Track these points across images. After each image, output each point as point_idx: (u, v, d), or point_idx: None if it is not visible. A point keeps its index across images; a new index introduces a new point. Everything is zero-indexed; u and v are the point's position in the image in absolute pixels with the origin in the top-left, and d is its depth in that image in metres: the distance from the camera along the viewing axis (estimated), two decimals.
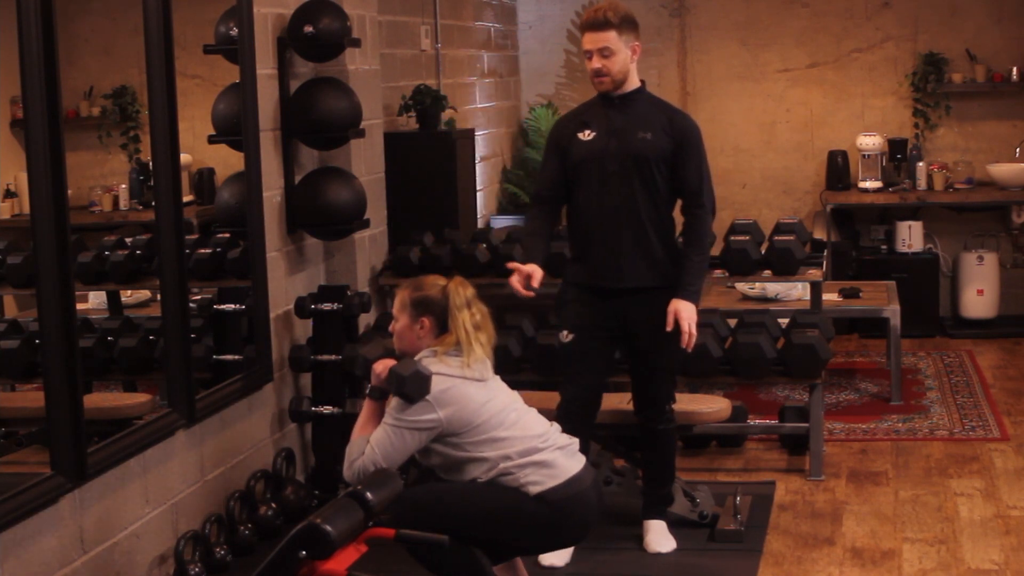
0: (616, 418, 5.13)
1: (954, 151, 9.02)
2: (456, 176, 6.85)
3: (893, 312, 7.16)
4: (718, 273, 6.13)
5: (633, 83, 4.78)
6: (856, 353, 8.28)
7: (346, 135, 5.53)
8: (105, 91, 4.91)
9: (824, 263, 6.52)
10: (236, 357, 5.10)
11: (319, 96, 5.42)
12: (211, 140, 5.11)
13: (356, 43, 5.65)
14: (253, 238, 5.10)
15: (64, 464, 3.81)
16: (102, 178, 5.01)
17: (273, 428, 5.30)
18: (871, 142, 8.80)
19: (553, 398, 4.89)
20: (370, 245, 6.20)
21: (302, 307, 5.38)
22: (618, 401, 5.18)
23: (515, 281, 4.62)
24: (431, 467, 4.01)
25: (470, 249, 6.23)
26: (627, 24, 4.72)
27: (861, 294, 7.53)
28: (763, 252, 6.06)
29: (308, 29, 5.32)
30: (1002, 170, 8.69)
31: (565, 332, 4.84)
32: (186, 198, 4.60)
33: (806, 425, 5.86)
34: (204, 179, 5.41)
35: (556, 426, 4.10)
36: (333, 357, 5.38)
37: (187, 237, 4.59)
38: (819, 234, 8.45)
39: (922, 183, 8.77)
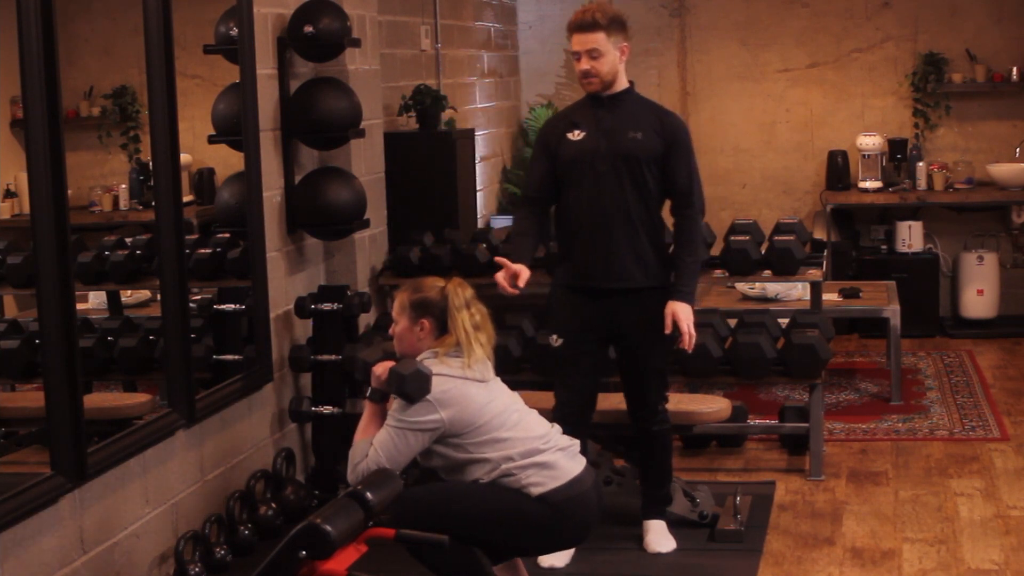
0: (615, 418, 5.13)
1: (954, 151, 9.02)
2: (456, 176, 6.85)
3: (893, 312, 7.16)
4: (718, 273, 6.13)
5: (622, 83, 4.78)
6: (856, 353, 8.28)
7: (346, 135, 5.53)
8: (105, 91, 4.91)
9: (824, 263, 6.52)
10: (236, 357, 5.10)
11: (319, 96, 5.42)
12: (211, 140, 5.11)
13: (356, 43, 5.65)
14: (253, 238, 5.10)
15: (64, 464, 3.81)
16: (102, 178, 5.01)
17: (273, 428, 5.30)
18: (871, 142, 8.80)
19: (553, 398, 4.89)
20: (370, 245, 6.20)
21: (302, 307, 5.39)
22: (618, 401, 5.18)
23: (501, 277, 4.61)
24: (433, 468, 4.01)
25: (470, 249, 6.23)
26: (615, 25, 4.71)
27: (861, 294, 7.53)
28: (763, 252, 6.06)
29: (308, 29, 5.32)
30: (1002, 170, 8.69)
31: (555, 336, 4.84)
32: (186, 198, 4.60)
33: (806, 425, 5.86)
34: (204, 179, 5.41)
35: (557, 427, 4.10)
36: (333, 357, 5.38)
37: (187, 237, 4.59)
38: (819, 234, 8.46)
39: (922, 183, 8.77)
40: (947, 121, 9.01)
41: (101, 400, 4.74)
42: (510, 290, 4.61)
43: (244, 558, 4.73)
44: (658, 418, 4.89)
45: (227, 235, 5.13)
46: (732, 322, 5.94)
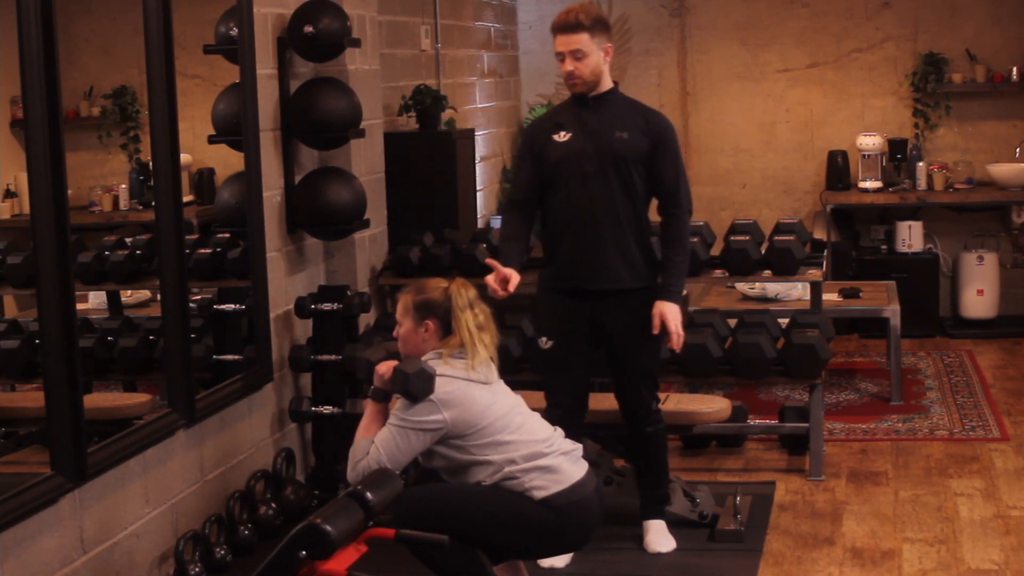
0: (615, 418, 5.13)
1: (954, 151, 9.02)
2: (456, 176, 6.85)
3: (893, 312, 7.16)
4: (718, 273, 6.13)
5: (606, 84, 4.77)
6: (856, 353, 8.28)
7: (346, 135, 5.53)
8: (105, 91, 4.91)
9: (824, 263, 6.52)
10: (236, 357, 5.10)
11: (319, 96, 5.42)
12: (211, 140, 5.11)
13: (356, 43, 5.65)
14: (253, 238, 5.10)
15: (64, 464, 3.81)
16: (102, 178, 5.01)
17: (273, 428, 5.30)
18: (871, 142, 8.80)
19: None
20: (370, 245, 6.20)
21: (302, 307, 5.39)
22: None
23: (491, 280, 4.60)
24: (435, 469, 4.01)
25: (470, 249, 6.23)
26: (599, 26, 4.71)
27: (861, 294, 7.53)
28: (763, 252, 6.06)
29: (308, 29, 5.32)
30: (1002, 170, 8.69)
31: (544, 339, 4.84)
32: (186, 198, 4.60)
33: (806, 425, 5.86)
34: (204, 179, 5.41)
35: (560, 431, 4.10)
36: (333, 357, 5.38)
37: (187, 237, 4.59)
38: (819, 234, 8.45)
39: (922, 183, 8.77)
40: (947, 121, 9.01)
41: (101, 400, 4.74)
42: (500, 293, 4.61)
43: (244, 558, 4.73)
44: (652, 418, 4.88)
45: (227, 235, 5.13)
46: (732, 322, 5.94)
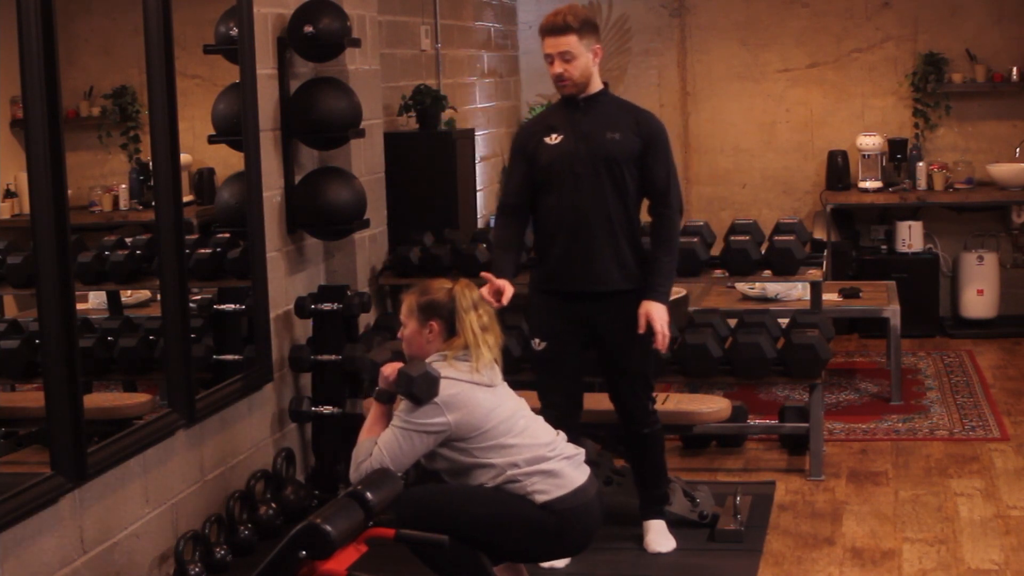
0: (614, 418, 5.12)
1: (954, 151, 9.03)
2: (456, 176, 6.85)
3: (893, 312, 7.16)
4: (718, 273, 6.13)
5: (596, 85, 4.76)
6: (856, 353, 8.28)
7: (346, 135, 5.53)
8: (105, 91, 4.91)
9: (824, 263, 6.52)
10: (236, 357, 5.10)
11: (319, 96, 5.42)
12: (211, 140, 5.11)
13: (356, 43, 5.65)
14: (253, 238, 5.10)
15: (64, 464, 3.81)
16: (102, 178, 5.00)
17: (273, 428, 5.30)
18: (871, 142, 8.80)
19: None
20: (370, 245, 6.20)
21: (302, 307, 5.38)
22: None
23: (486, 292, 4.58)
24: (437, 471, 4.01)
25: (470, 249, 6.23)
26: (587, 27, 4.70)
27: (861, 294, 7.53)
28: (763, 252, 6.06)
29: (308, 29, 5.32)
30: (1002, 170, 8.69)
31: (537, 340, 4.83)
32: (186, 198, 4.60)
33: (806, 425, 5.86)
34: (204, 179, 5.41)
35: (563, 435, 4.10)
36: (333, 357, 5.38)
37: (187, 237, 4.59)
38: (819, 234, 8.45)
39: (922, 183, 8.77)
40: (947, 121, 9.01)
41: (101, 400, 4.74)
42: (495, 304, 4.60)
43: (244, 558, 4.73)
44: (648, 419, 4.88)
45: (227, 235, 5.13)
46: (732, 322, 5.94)
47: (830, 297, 7.29)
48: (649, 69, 9.34)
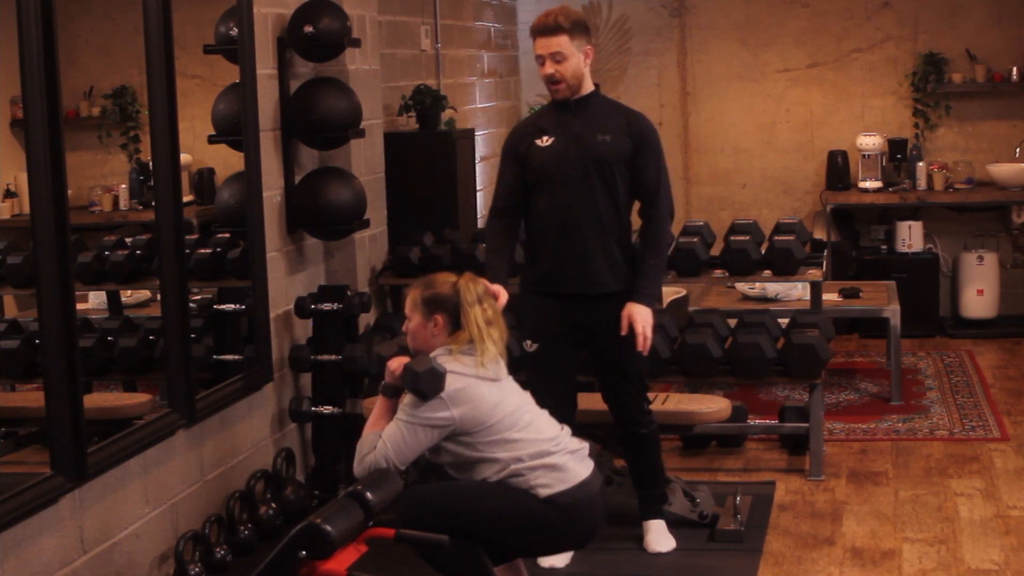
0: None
1: (954, 151, 9.03)
2: (456, 176, 6.85)
3: (893, 312, 7.16)
4: (718, 273, 6.13)
5: (588, 87, 4.76)
6: (856, 353, 8.28)
7: (346, 135, 5.53)
8: (105, 91, 4.91)
9: (824, 263, 6.52)
10: (236, 357, 5.10)
11: (319, 96, 5.42)
12: (211, 140, 5.11)
13: (356, 43, 5.65)
14: (253, 238, 5.10)
15: (64, 464, 3.81)
16: (102, 178, 5.00)
17: (273, 428, 5.30)
18: (871, 142, 8.80)
19: None
20: (370, 245, 6.20)
21: (302, 307, 5.38)
22: None
23: None
24: (441, 465, 4.00)
25: (470, 249, 6.23)
26: (579, 28, 4.69)
27: (861, 294, 7.53)
28: (763, 252, 6.06)
29: (308, 29, 5.32)
30: (1002, 170, 8.69)
31: (529, 342, 4.83)
32: (186, 198, 4.60)
33: (806, 425, 5.86)
34: (204, 179, 5.41)
35: (567, 429, 4.10)
36: (333, 357, 5.38)
37: (187, 237, 4.59)
38: (819, 234, 8.45)
39: (922, 183, 8.77)
40: (947, 121, 9.01)
41: (101, 400, 4.74)
42: None
43: (244, 558, 4.73)
44: (644, 420, 4.87)
45: (227, 235, 5.13)
46: (732, 322, 5.94)
47: (830, 297, 7.29)
48: (649, 69, 9.34)
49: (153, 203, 4.48)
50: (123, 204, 5.04)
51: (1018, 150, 8.86)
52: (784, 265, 6.01)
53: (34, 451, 4.18)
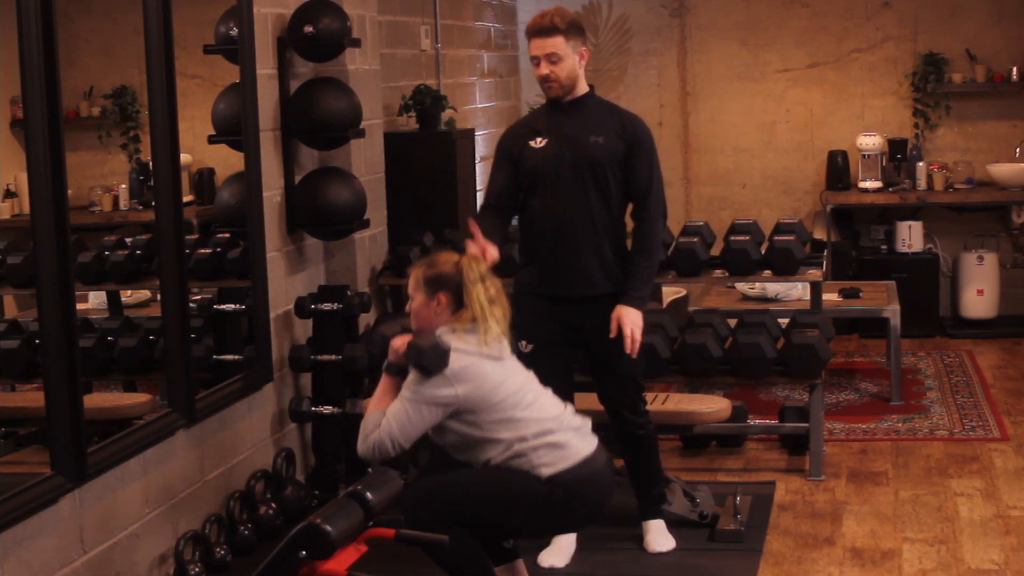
0: None
1: (954, 151, 9.03)
2: (456, 176, 6.85)
3: (893, 312, 7.16)
4: (718, 273, 6.13)
5: (582, 88, 4.75)
6: (856, 353, 8.28)
7: (346, 135, 5.53)
8: (105, 91, 4.91)
9: (824, 263, 6.52)
10: (236, 357, 5.11)
11: (319, 96, 5.42)
12: (211, 140, 5.11)
13: (356, 43, 5.65)
14: (253, 238, 5.10)
15: (64, 464, 3.81)
16: (102, 178, 5.01)
17: (273, 428, 5.30)
18: (871, 142, 8.80)
19: None
20: (370, 245, 6.20)
21: (302, 307, 5.39)
22: None
23: (472, 247, 4.41)
24: (445, 446, 4.00)
25: None
26: (574, 29, 4.68)
27: (861, 294, 7.53)
28: (763, 252, 6.06)
29: (308, 29, 5.32)
30: (1002, 170, 8.69)
31: (524, 342, 4.82)
32: (186, 198, 4.60)
33: (806, 425, 5.86)
34: (204, 179, 5.41)
35: (570, 407, 4.10)
36: (333, 357, 5.38)
37: (187, 237, 4.59)
38: (819, 234, 8.46)
39: (922, 183, 8.77)
40: (947, 121, 9.01)
41: (101, 400, 4.74)
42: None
43: (244, 558, 4.73)
44: (640, 421, 4.87)
45: (227, 235, 5.13)
46: (732, 322, 5.94)
47: (830, 297, 7.29)
48: (649, 69, 9.34)
49: (153, 203, 4.48)
50: (123, 204, 5.04)
51: (1018, 150, 8.86)
52: (784, 265, 6.01)
53: (34, 451, 4.18)
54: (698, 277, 6.13)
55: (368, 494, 3.63)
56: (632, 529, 5.03)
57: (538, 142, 4.74)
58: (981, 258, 8.77)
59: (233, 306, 5.15)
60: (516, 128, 4.93)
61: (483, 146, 8.35)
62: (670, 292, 7.75)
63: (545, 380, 4.76)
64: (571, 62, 4.67)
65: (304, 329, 5.53)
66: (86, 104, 4.88)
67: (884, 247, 8.90)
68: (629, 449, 4.94)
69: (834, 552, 4.95)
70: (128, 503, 4.22)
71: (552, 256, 4.74)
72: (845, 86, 9.15)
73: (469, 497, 3.89)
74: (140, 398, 4.88)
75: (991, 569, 4.74)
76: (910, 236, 8.77)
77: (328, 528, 3.48)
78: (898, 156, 8.86)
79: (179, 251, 4.49)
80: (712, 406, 5.62)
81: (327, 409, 5.39)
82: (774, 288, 7.21)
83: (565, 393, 4.84)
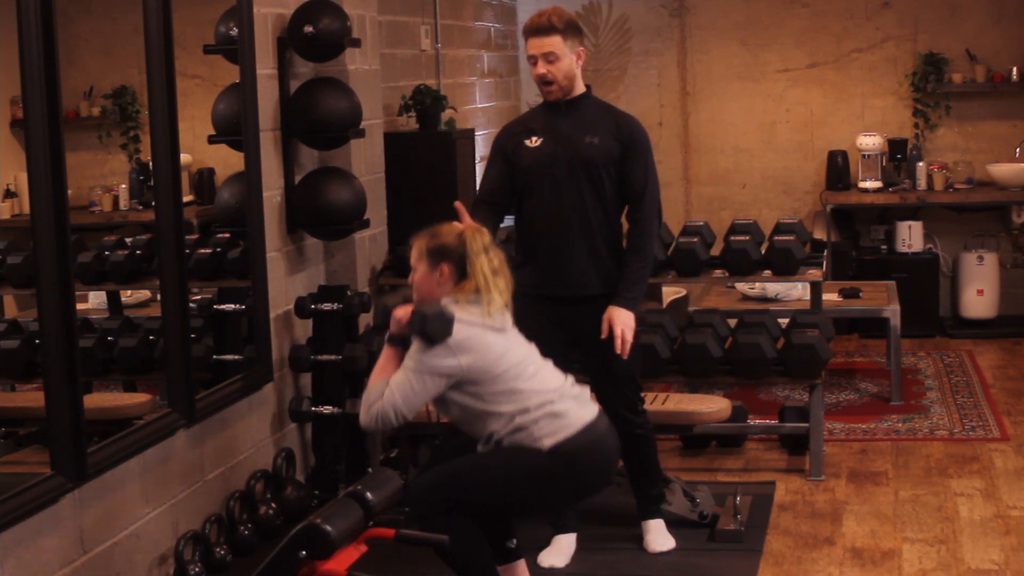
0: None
1: (954, 151, 9.03)
2: (456, 176, 6.85)
3: (893, 312, 7.16)
4: (718, 273, 6.14)
5: (579, 88, 4.75)
6: (856, 353, 8.28)
7: (346, 135, 5.53)
8: (105, 91, 4.91)
9: (824, 263, 6.52)
10: (236, 357, 5.10)
11: (319, 96, 5.42)
12: (211, 140, 5.11)
13: (356, 43, 5.65)
14: (253, 238, 5.10)
15: (64, 464, 3.81)
16: (102, 178, 5.00)
17: (273, 428, 5.30)
18: (871, 142, 8.80)
19: None
20: (370, 245, 6.20)
21: (302, 307, 5.38)
22: None
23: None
24: (450, 421, 3.99)
25: None
26: (571, 29, 4.69)
27: (861, 294, 7.53)
28: (763, 252, 6.06)
29: (308, 29, 5.32)
30: (1002, 170, 8.69)
31: None
32: (186, 198, 4.60)
33: (806, 425, 5.86)
34: (204, 179, 5.41)
35: (571, 378, 4.09)
36: (333, 357, 5.38)
37: (187, 237, 4.59)
38: (819, 234, 8.46)
39: (922, 183, 8.77)
40: (947, 121, 9.01)
41: (101, 400, 4.74)
42: None
43: (244, 558, 4.73)
44: (638, 421, 4.87)
45: (227, 235, 5.13)
46: (732, 322, 5.94)
47: (830, 297, 7.29)
48: (649, 69, 9.34)
49: (153, 203, 4.48)
50: (123, 204, 5.04)
51: (1018, 150, 8.86)
52: (784, 265, 6.01)
53: (34, 451, 4.18)
54: (698, 277, 6.13)
55: (368, 494, 3.64)
56: (632, 529, 5.03)
57: (533, 141, 4.74)
58: (981, 258, 8.77)
59: (233, 306, 5.15)
60: (512, 127, 4.93)
61: (483, 146, 8.34)
62: (670, 292, 7.75)
63: None
64: (568, 62, 4.67)
65: (304, 329, 5.53)
66: (86, 104, 4.88)
67: (884, 247, 8.91)
68: (628, 449, 4.93)
69: (834, 552, 4.95)
70: (128, 503, 4.22)
71: (547, 256, 4.74)
72: (845, 86, 9.15)
73: (473, 484, 3.89)
74: (140, 398, 4.88)
75: (991, 569, 4.74)
76: (910, 236, 8.77)
77: (328, 528, 3.48)
78: (898, 156, 8.86)
79: (179, 251, 4.48)
80: (712, 406, 5.62)
81: (327, 409, 5.39)
82: (774, 288, 7.21)
83: None
